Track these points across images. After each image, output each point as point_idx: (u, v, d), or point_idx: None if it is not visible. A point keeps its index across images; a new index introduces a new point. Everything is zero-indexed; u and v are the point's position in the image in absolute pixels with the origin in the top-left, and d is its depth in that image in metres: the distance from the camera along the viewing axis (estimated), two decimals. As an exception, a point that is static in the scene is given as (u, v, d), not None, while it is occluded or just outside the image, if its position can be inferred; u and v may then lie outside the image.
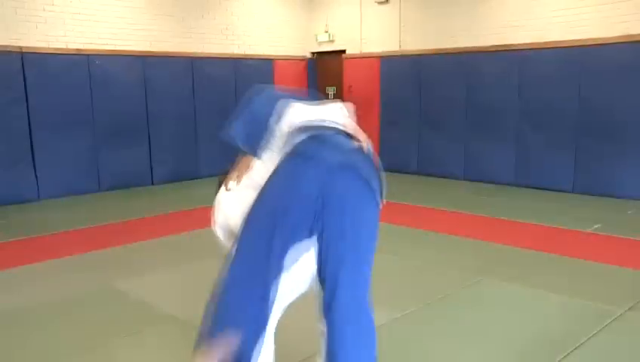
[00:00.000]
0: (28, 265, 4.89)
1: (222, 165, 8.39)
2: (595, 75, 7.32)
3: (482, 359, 3.09)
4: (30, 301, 4.08)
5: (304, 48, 10.73)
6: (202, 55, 9.13)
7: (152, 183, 8.71)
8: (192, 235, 5.75)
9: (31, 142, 7.44)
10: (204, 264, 4.92)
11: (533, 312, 3.75)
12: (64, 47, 7.65)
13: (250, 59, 9.78)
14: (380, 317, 3.21)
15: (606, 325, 3.53)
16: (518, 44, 8.01)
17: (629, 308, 3.78)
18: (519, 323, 3.57)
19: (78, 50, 7.74)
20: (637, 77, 6.95)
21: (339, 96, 10.55)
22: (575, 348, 3.20)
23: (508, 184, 8.25)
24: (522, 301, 3.96)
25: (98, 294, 4.20)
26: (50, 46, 7.52)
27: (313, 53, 10.84)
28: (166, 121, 8.76)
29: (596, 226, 5.90)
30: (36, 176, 7.53)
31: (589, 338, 3.33)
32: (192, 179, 9.01)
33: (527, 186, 8.04)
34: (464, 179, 8.76)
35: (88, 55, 7.84)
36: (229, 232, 2.25)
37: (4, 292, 4.31)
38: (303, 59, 10.71)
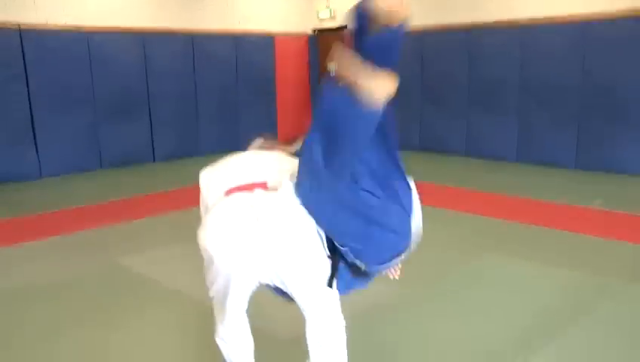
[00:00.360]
0: (30, 242, 4.91)
1: (222, 142, 8.46)
2: (598, 50, 7.24)
3: (484, 335, 3.09)
4: (33, 278, 4.10)
5: (305, 25, 10.62)
6: (203, 32, 9.04)
7: (154, 160, 8.70)
8: (193, 212, 5.73)
9: (32, 119, 7.41)
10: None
11: (534, 287, 3.76)
12: (63, 24, 7.58)
13: (251, 35, 9.69)
14: (379, 296, 3.24)
15: (606, 298, 3.55)
16: (521, 19, 7.90)
17: (630, 281, 3.80)
18: (520, 298, 3.58)
19: (77, 27, 7.67)
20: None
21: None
22: (575, 321, 3.22)
23: (510, 160, 8.21)
24: (523, 276, 3.97)
25: (101, 270, 4.23)
26: (49, 23, 7.45)
27: (314, 30, 10.73)
28: (167, 98, 8.72)
29: (597, 202, 5.88)
30: (37, 154, 7.52)
31: (589, 312, 3.35)
32: (192, 156, 8.99)
33: (529, 162, 8.00)
34: (466, 156, 8.73)
35: (87, 32, 7.78)
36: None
37: (6, 269, 4.33)
38: (304, 35, 10.61)
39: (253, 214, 2.03)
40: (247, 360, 2.28)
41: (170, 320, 3.39)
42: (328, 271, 2.09)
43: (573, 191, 6.43)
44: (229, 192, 2.13)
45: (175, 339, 3.15)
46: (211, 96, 9.21)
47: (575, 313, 3.32)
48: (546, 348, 2.91)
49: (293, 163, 2.19)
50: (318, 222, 2.03)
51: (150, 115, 8.59)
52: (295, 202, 2.03)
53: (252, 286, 2.16)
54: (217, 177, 2.26)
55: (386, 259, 2.07)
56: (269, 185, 2.11)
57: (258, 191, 2.09)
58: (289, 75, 10.38)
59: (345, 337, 2.17)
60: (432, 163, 8.56)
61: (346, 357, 2.18)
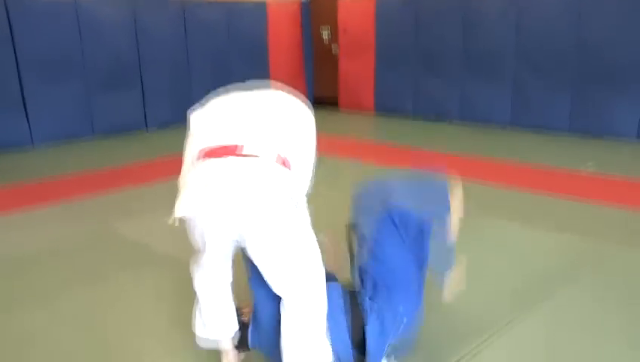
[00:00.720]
0: (25, 210, 4.89)
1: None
2: (594, 13, 7.17)
3: (478, 296, 3.10)
4: (29, 244, 4.12)
5: (298, -10, 10.48)
6: (194, -2, 8.90)
7: (147, 128, 8.63)
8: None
9: (21, 87, 7.30)
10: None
11: (528, 250, 3.77)
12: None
13: (243, 2, 9.53)
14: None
15: (597, 260, 3.57)
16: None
17: (619, 244, 3.82)
18: (512, 261, 3.60)
19: (64, -7, 7.53)
20: (638, 16, 6.81)
21: (334, 38, 10.37)
22: (567, 282, 3.24)
23: (504, 125, 8.19)
24: (518, 240, 3.97)
25: (97, 236, 4.24)
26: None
27: (307, -5, 10.60)
28: (159, 66, 8.60)
29: (591, 165, 5.88)
30: (28, 122, 7.43)
31: (580, 273, 3.37)
32: (186, 124, 8.89)
33: (523, 127, 7.99)
34: (460, 121, 8.69)
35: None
36: None
37: (2, 236, 4.33)
38: (296, 1, 10.46)
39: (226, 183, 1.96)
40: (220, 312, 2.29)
41: (163, 282, 3.42)
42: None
43: (567, 156, 6.43)
44: (205, 155, 2.06)
45: (168, 300, 3.17)
46: (204, 63, 9.10)
47: (569, 276, 3.33)
48: (536, 311, 2.93)
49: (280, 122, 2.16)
50: None
51: (142, 83, 8.49)
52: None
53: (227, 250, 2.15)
54: (203, 125, 2.19)
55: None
56: (245, 150, 2.01)
57: (231, 158, 2.00)
58: (282, 41, 10.25)
59: (324, 325, 2.18)
60: (425, 128, 8.54)
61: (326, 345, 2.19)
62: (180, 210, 1.98)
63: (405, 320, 2.28)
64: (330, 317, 2.21)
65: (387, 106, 9.65)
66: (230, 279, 2.27)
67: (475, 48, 8.36)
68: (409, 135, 7.98)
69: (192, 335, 2.53)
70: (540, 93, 7.78)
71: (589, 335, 2.69)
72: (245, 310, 2.44)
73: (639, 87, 6.95)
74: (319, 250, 2.17)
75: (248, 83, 2.30)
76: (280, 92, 2.29)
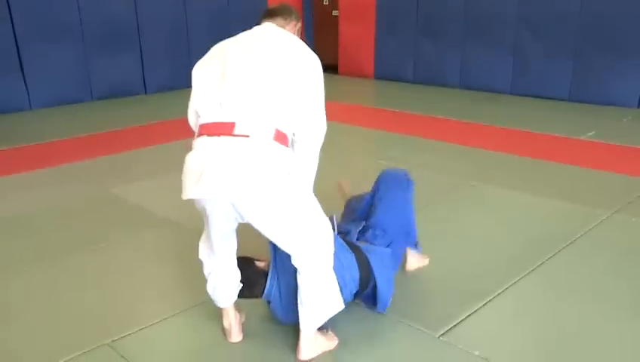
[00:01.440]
0: (24, 172, 4.87)
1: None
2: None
3: (475, 259, 3.13)
4: (29, 207, 4.11)
5: (298, -48, 10.28)
6: (193, -42, 8.72)
7: (145, 92, 8.55)
8: (185, 143, 5.70)
9: (17, 50, 7.20)
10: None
11: (525, 216, 3.78)
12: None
13: (243, -38, 9.37)
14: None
15: (594, 226, 3.58)
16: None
17: (617, 211, 3.84)
18: (512, 225, 3.62)
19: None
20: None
21: (334, 1, 10.23)
22: (564, 247, 3.26)
23: (504, 92, 8.14)
24: (516, 205, 3.99)
25: (97, 199, 4.24)
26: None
27: (307, -42, 10.41)
28: (157, 28, 8.48)
29: (591, 134, 5.86)
30: (26, 86, 7.36)
31: (577, 238, 3.39)
32: (185, 88, 8.80)
33: (524, 95, 7.93)
34: (460, 88, 8.62)
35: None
36: None
37: (2, 199, 4.31)
38: (296, -36, 10.28)
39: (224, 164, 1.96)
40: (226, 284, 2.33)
41: (164, 243, 3.43)
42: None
43: (567, 123, 6.40)
44: (202, 132, 2.07)
45: (166, 261, 3.19)
46: (203, 25, 8.95)
47: (564, 239, 3.35)
48: (531, 274, 2.95)
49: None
50: None
51: (140, 46, 8.37)
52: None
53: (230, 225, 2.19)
54: (202, 83, 2.18)
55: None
56: (237, 128, 1.99)
57: (224, 139, 2.00)
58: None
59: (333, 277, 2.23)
60: (426, 94, 8.48)
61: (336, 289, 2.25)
62: (184, 194, 2.07)
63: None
64: (343, 257, 2.35)
65: (387, 72, 9.56)
66: (234, 248, 2.30)
67: (477, 14, 8.24)
68: (409, 101, 7.91)
69: (194, 294, 2.57)
70: (541, 61, 7.70)
71: (584, 297, 2.71)
72: (263, 262, 2.45)
73: (640, 55, 6.91)
74: (319, 210, 2.19)
75: (249, 32, 2.28)
76: (280, 38, 2.22)
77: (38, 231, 3.67)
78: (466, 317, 2.54)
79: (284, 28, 2.31)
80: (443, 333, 2.42)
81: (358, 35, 9.85)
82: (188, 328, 2.55)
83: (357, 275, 2.40)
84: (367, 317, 2.56)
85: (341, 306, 2.29)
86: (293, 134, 2.14)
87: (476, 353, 2.28)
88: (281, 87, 2.08)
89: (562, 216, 3.76)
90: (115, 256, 3.30)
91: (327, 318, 2.28)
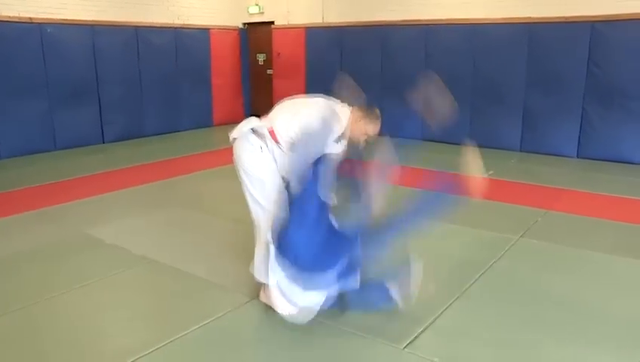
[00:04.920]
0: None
1: (165, 125, 8.40)
2: (485, 48, 7.71)
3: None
4: (4, 251, 3.90)
5: (237, 19, 10.49)
6: (146, 24, 8.74)
7: (104, 142, 8.40)
8: (147, 187, 5.71)
9: (-12, 105, 6.96)
10: (164, 211, 4.95)
11: (451, 242, 4.06)
12: (16, 14, 7.11)
13: (189, 28, 9.47)
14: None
15: (506, 250, 3.91)
16: (425, 20, 8.24)
17: (521, 236, 4.21)
18: (441, 251, 3.85)
19: (30, 18, 7.22)
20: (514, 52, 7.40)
21: (268, 62, 10.48)
22: (488, 267, 3.55)
23: (416, 138, 8.55)
24: (437, 233, 4.18)
25: (72, 241, 4.10)
26: (2, 14, 6.97)
27: (245, 24, 10.63)
28: (114, 85, 8.39)
29: (490, 173, 6.32)
30: (-4, 137, 7.09)
31: (496, 261, 3.71)
32: (139, 138, 8.75)
33: (431, 140, 8.38)
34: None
35: (40, 23, 7.33)
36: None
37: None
38: (235, 29, 10.48)
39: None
40: None
41: (138, 281, 3.42)
42: None
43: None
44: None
45: (143, 298, 3.20)
46: (154, 83, 8.96)
47: (485, 262, 3.65)
48: (465, 295, 3.20)
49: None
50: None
51: (100, 101, 8.26)
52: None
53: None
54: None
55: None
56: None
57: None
58: (223, 64, 10.23)
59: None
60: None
61: None
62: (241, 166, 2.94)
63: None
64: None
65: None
66: None
67: (392, 75, 8.67)
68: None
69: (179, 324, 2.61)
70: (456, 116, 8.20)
71: (524, 301, 2.98)
72: None
73: (520, 108, 7.55)
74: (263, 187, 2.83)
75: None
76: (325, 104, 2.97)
77: (11, 276, 3.47)
78: (423, 331, 2.74)
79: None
80: (406, 345, 2.61)
81: (289, 88, 10.04)
82: (177, 358, 2.56)
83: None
84: (341, 333, 2.71)
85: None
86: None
87: (436, 359, 2.48)
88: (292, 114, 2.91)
89: (480, 241, 4.08)
90: (89, 294, 3.21)
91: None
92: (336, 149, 2.83)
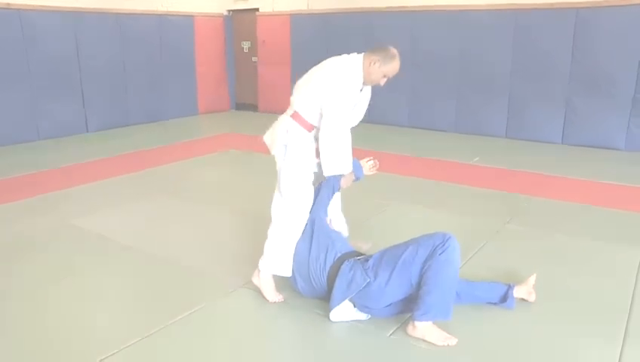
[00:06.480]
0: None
1: (149, 114, 8.34)
2: (470, 35, 7.70)
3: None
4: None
5: (221, 6, 10.36)
6: (129, 11, 8.58)
7: (87, 131, 8.29)
8: (133, 177, 5.65)
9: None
10: (150, 200, 4.92)
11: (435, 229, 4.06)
12: (-6, 1, 6.96)
13: (173, 15, 9.34)
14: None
15: (493, 235, 3.94)
16: (409, 6, 8.20)
17: (507, 222, 4.23)
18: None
19: (7, 4, 7.05)
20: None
21: (253, 49, 10.39)
22: (474, 254, 3.57)
23: (402, 125, 8.58)
24: (425, 220, 4.28)
25: (57, 232, 4.05)
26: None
27: (229, 11, 10.50)
28: (98, 73, 8.26)
29: (476, 159, 6.35)
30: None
31: (482, 246, 3.72)
32: (122, 127, 8.65)
33: (418, 127, 8.41)
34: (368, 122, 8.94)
35: (19, 9, 7.17)
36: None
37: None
38: (220, 16, 10.36)
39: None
40: None
41: (125, 271, 3.39)
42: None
43: (455, 151, 6.87)
44: None
45: (130, 288, 3.17)
46: (138, 71, 8.84)
47: (472, 247, 3.67)
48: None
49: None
50: None
51: (82, 90, 8.13)
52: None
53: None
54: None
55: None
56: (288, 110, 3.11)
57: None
58: (207, 51, 10.12)
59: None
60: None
61: None
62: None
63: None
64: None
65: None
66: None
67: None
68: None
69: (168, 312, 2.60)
70: (432, 99, 8.24)
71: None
72: None
73: (506, 94, 7.58)
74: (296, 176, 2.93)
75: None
76: (332, 63, 2.96)
77: (4, 264, 3.47)
78: (408, 317, 2.74)
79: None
80: (392, 332, 2.62)
81: (274, 76, 10.02)
82: (166, 345, 2.55)
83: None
84: (328, 321, 2.71)
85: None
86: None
87: (423, 346, 2.49)
88: (312, 87, 2.94)
89: (466, 228, 4.09)
90: (76, 285, 3.18)
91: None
92: (363, 101, 3.02)
